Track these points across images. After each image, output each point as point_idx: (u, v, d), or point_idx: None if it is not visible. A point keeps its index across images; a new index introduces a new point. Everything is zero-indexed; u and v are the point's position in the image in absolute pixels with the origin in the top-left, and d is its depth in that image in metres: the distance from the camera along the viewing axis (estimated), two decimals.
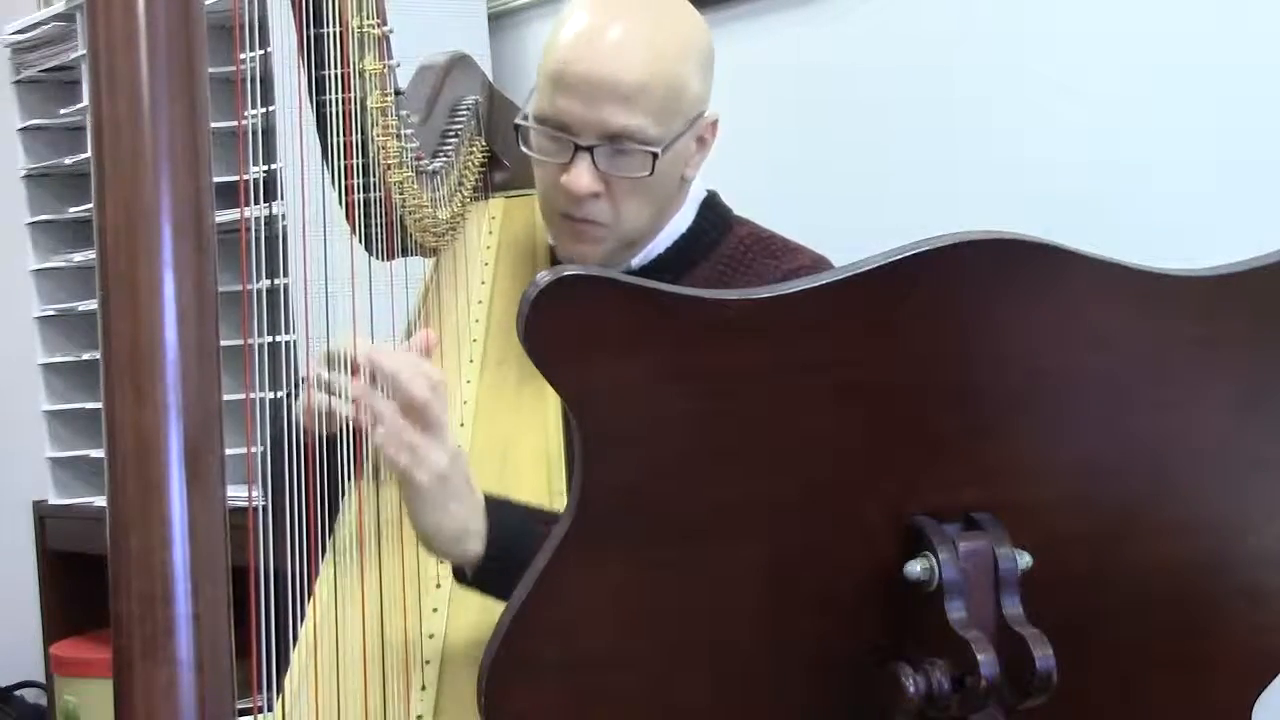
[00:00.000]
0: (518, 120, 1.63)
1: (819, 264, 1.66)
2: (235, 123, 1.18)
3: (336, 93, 1.46)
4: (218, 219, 0.82)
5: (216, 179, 0.82)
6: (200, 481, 0.78)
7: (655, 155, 1.57)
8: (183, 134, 0.79)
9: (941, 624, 0.83)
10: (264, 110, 1.26)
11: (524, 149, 1.63)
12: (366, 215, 1.53)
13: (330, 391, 1.47)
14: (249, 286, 1.24)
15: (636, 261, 1.68)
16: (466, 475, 1.39)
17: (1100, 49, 1.98)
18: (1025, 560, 0.85)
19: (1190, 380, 0.88)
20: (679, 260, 1.68)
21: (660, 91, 1.57)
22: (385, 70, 1.49)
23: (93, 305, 0.81)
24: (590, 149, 1.57)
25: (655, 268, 1.67)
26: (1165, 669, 0.93)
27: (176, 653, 0.77)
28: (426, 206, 1.60)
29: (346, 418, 1.43)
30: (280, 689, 1.39)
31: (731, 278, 1.67)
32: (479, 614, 1.46)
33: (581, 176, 1.57)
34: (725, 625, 0.85)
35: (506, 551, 1.37)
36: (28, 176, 3.16)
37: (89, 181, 0.80)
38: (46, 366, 3.13)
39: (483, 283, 1.75)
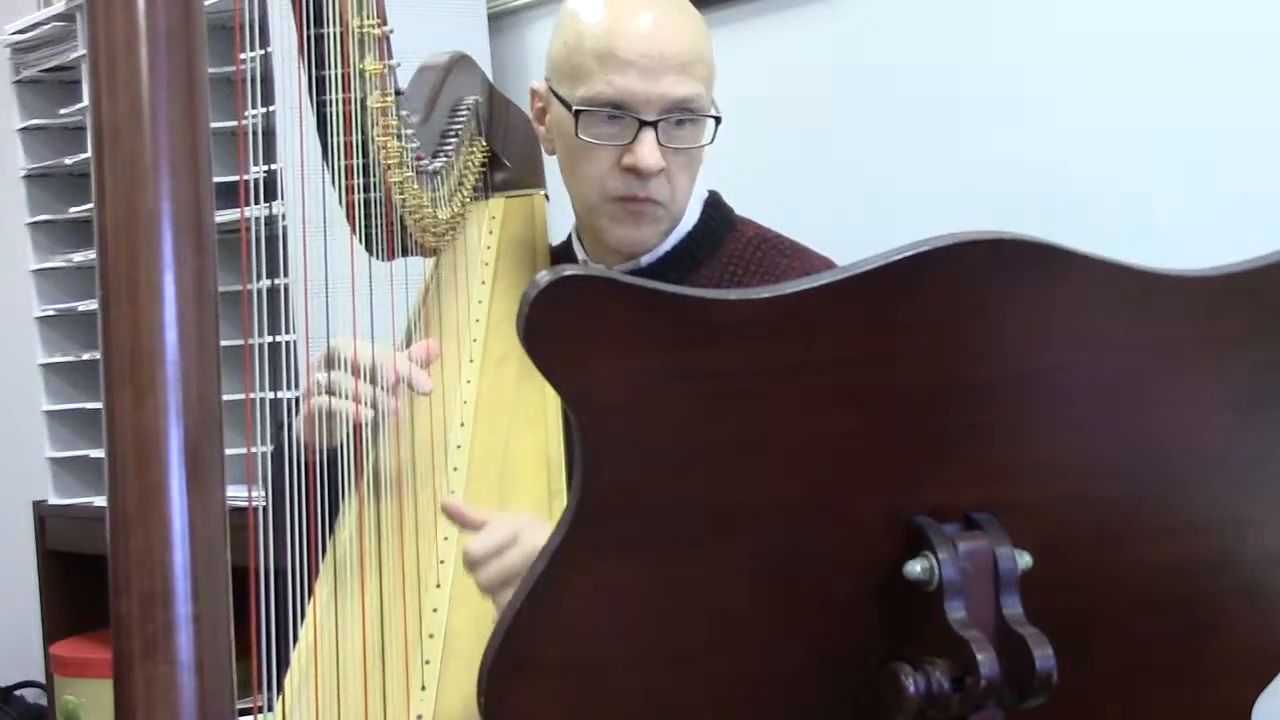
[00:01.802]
0: (577, 106, 1.61)
1: (826, 267, 1.66)
2: (235, 123, 1.18)
3: (337, 93, 1.46)
4: (218, 219, 0.82)
5: (216, 179, 0.82)
6: (200, 481, 0.78)
7: (718, 120, 1.60)
8: (183, 134, 0.79)
9: (941, 624, 0.83)
10: (264, 110, 1.26)
11: (581, 137, 1.61)
12: (366, 215, 1.53)
13: (332, 392, 1.48)
14: (249, 286, 1.24)
15: (645, 259, 1.68)
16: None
17: (1103, 49, 1.98)
18: (1025, 560, 0.85)
19: (1190, 380, 0.88)
20: (685, 259, 1.68)
21: (706, 61, 1.61)
22: (385, 70, 1.49)
23: (93, 305, 0.81)
24: (655, 123, 1.58)
25: (662, 265, 1.67)
26: (1165, 669, 0.93)
27: (176, 653, 0.77)
28: (426, 206, 1.60)
29: (348, 423, 1.44)
30: (280, 689, 1.39)
31: (742, 277, 1.67)
32: (479, 614, 1.46)
33: (651, 152, 1.58)
34: (725, 625, 0.85)
35: None
36: (28, 176, 3.16)
37: (89, 181, 0.80)
38: (46, 366, 3.12)
39: (483, 282, 1.75)
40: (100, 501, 1.50)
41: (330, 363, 1.51)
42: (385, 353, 1.51)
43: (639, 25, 1.58)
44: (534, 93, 1.70)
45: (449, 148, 1.67)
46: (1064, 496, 0.88)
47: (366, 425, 1.50)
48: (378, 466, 1.53)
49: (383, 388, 1.49)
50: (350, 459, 1.51)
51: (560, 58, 1.62)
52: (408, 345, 1.68)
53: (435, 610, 1.47)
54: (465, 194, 1.72)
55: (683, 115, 1.59)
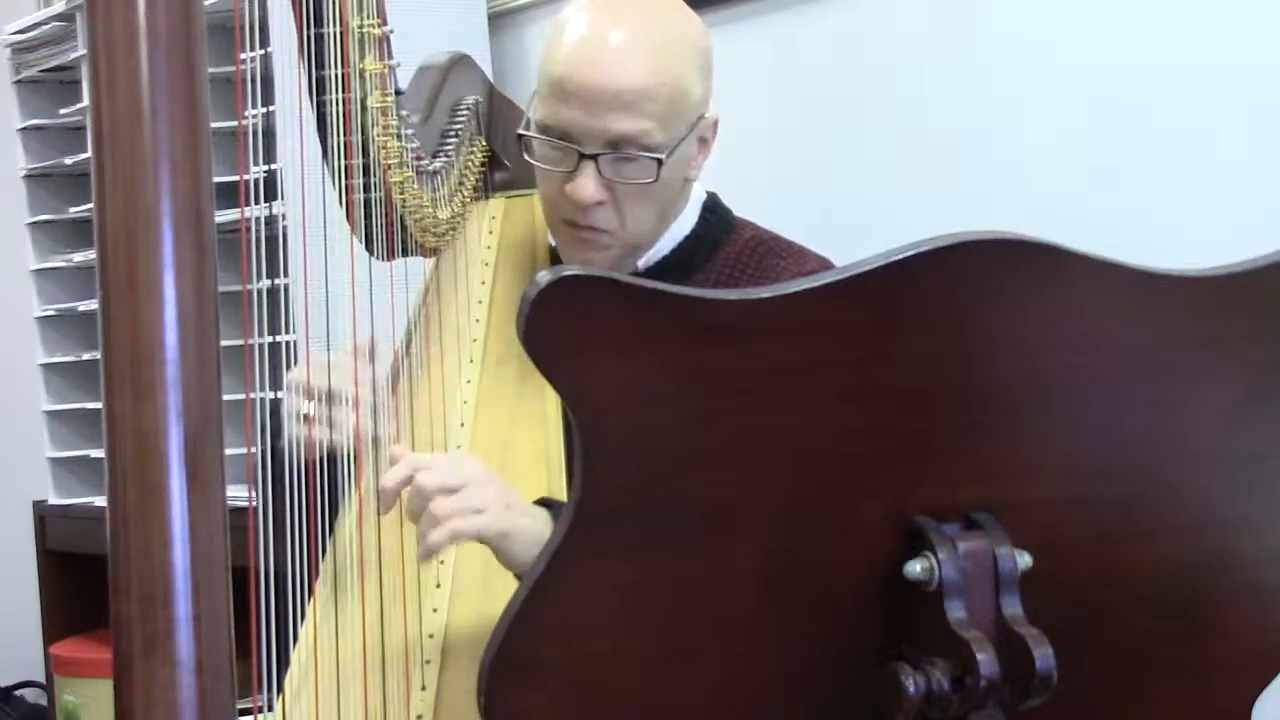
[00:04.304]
0: (520, 130, 1.62)
1: (825, 267, 1.66)
2: (235, 123, 1.18)
3: (337, 93, 1.46)
4: (218, 219, 0.82)
5: (216, 179, 0.82)
6: (200, 481, 0.78)
7: (660, 161, 1.57)
8: (183, 134, 0.79)
9: (941, 624, 0.83)
10: (264, 110, 1.26)
11: (527, 158, 1.63)
12: (367, 215, 1.53)
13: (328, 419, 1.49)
14: (249, 286, 1.24)
15: (641, 264, 1.68)
16: (511, 491, 1.42)
17: (1104, 49, 1.98)
18: (1025, 560, 0.85)
19: (1190, 380, 0.88)
20: (682, 263, 1.68)
21: (663, 97, 1.56)
22: (385, 70, 1.49)
23: (93, 305, 0.81)
24: (594, 157, 1.56)
25: (659, 271, 1.67)
26: (1165, 669, 0.93)
27: (176, 653, 0.77)
28: (427, 206, 1.60)
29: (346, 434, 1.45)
30: (280, 689, 1.39)
31: (739, 280, 1.66)
32: (479, 614, 1.46)
33: (586, 185, 1.57)
34: (725, 625, 0.85)
35: None
36: (28, 176, 3.16)
37: (89, 181, 0.80)
38: (46, 366, 3.12)
39: (483, 282, 1.75)
40: (100, 501, 1.50)
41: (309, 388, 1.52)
42: (343, 376, 1.51)
43: (595, 57, 1.55)
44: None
45: (449, 148, 1.67)
46: (1064, 496, 0.88)
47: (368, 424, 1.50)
48: (378, 466, 1.53)
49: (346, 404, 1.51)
50: (350, 459, 1.51)
51: (538, 71, 1.62)
52: (408, 345, 1.68)
53: (435, 610, 1.47)
54: (465, 194, 1.72)
55: (624, 153, 1.57)
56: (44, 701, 3.30)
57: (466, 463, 1.44)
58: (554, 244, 1.80)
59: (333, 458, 1.49)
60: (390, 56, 1.49)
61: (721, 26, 2.33)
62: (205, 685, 0.78)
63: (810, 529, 0.84)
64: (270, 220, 1.31)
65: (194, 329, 0.79)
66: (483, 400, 1.64)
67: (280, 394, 1.54)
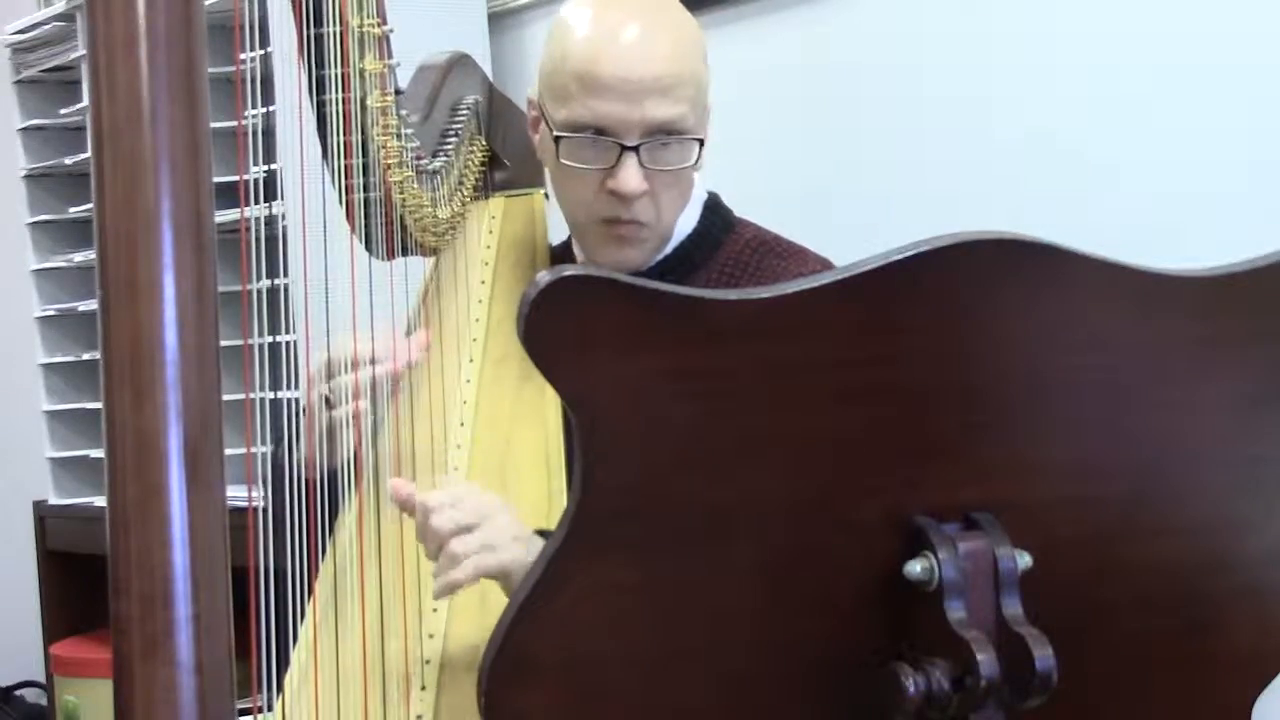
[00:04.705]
0: (557, 132, 1.60)
1: (825, 267, 1.66)
2: (235, 123, 1.19)
3: (337, 92, 1.46)
4: (218, 219, 0.82)
5: (216, 179, 0.82)
6: (200, 481, 0.78)
7: (701, 142, 1.58)
8: (183, 135, 0.79)
9: (941, 624, 0.83)
10: (264, 110, 1.26)
11: (563, 162, 1.60)
12: (367, 215, 1.53)
13: (334, 404, 1.49)
14: (249, 286, 1.24)
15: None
16: (517, 522, 1.41)
17: (1104, 48, 1.98)
18: (1025, 560, 0.85)
19: (1190, 380, 0.88)
20: (684, 262, 1.68)
21: (691, 80, 1.58)
22: (385, 70, 1.49)
23: (93, 305, 0.81)
24: (636, 147, 1.56)
25: (661, 270, 1.67)
26: (1165, 669, 0.93)
27: (176, 653, 0.77)
28: (426, 206, 1.60)
29: (349, 428, 1.45)
30: (280, 689, 1.39)
31: (739, 280, 1.66)
32: (479, 614, 1.46)
33: (632, 176, 1.56)
34: (725, 625, 0.85)
35: None
36: (28, 176, 3.16)
37: (89, 181, 0.80)
38: (46, 366, 3.12)
39: (483, 282, 1.75)
40: (100, 501, 1.51)
41: (330, 370, 1.52)
42: (383, 340, 1.52)
43: (620, 47, 1.55)
44: (530, 102, 1.69)
45: (449, 147, 1.66)
46: (1064, 496, 0.88)
47: (367, 428, 1.50)
48: (378, 467, 1.53)
49: (382, 362, 1.52)
50: (351, 459, 1.51)
51: (547, 73, 1.61)
52: None
53: (435, 610, 1.47)
54: (465, 193, 1.72)
55: (665, 139, 1.57)
56: (44, 701, 3.30)
57: (477, 496, 1.43)
58: (554, 244, 1.80)
59: (334, 472, 1.49)
60: (390, 56, 1.49)
61: (722, 26, 2.33)
62: (205, 685, 0.78)
63: (810, 529, 0.84)
64: (270, 220, 1.31)
65: (194, 329, 0.79)
66: (483, 400, 1.64)
67: (280, 394, 1.54)
